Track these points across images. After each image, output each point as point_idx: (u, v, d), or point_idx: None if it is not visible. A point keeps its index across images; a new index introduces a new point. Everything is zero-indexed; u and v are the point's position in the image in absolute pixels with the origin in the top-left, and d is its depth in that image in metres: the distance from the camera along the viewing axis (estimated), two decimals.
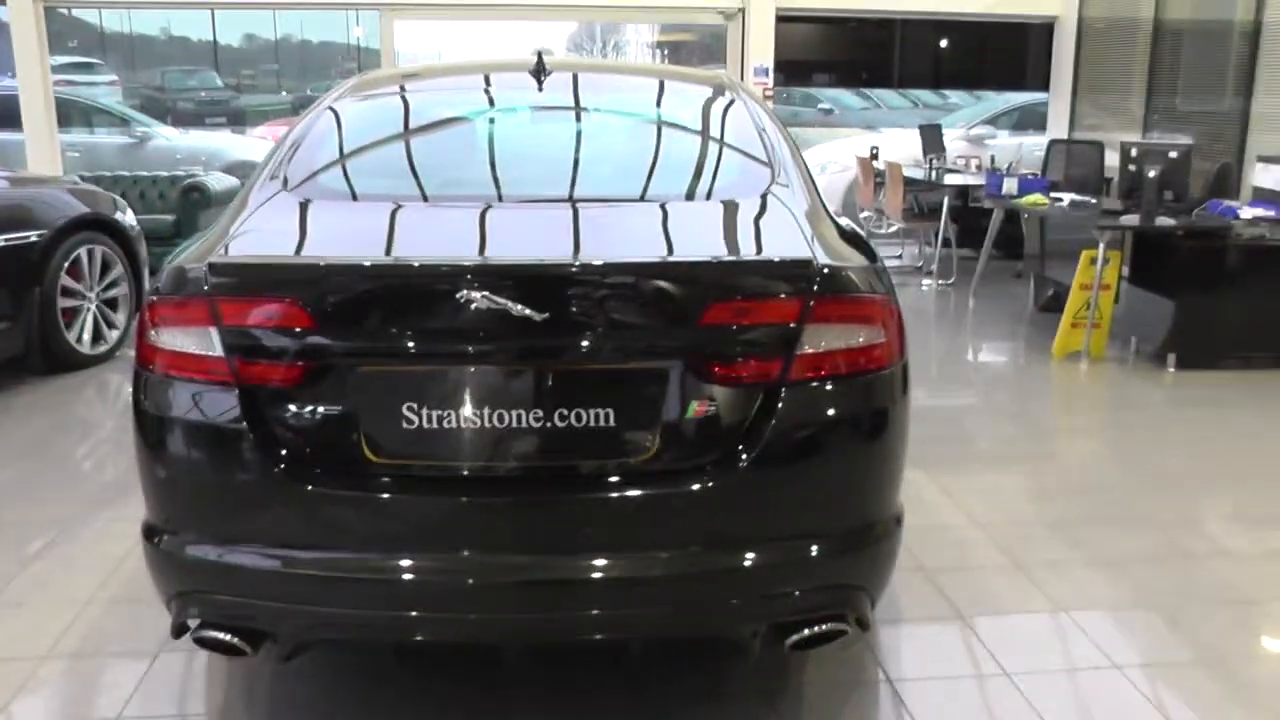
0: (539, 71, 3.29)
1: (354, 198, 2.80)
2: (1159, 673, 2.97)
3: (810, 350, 2.24)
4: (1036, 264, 8.07)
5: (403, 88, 3.56)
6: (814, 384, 2.25)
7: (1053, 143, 9.22)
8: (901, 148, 10.38)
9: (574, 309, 2.18)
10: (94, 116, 11.54)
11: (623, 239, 2.54)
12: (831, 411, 2.29)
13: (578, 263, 2.30)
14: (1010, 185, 7.52)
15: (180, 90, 18.72)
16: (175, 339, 2.24)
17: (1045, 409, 5.94)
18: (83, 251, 6.05)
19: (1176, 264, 6.30)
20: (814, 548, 2.29)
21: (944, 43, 13.62)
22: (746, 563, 2.26)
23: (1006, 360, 7.00)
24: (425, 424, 2.18)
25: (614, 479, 2.22)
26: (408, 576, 2.21)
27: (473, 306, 2.11)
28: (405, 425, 2.18)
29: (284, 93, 20.80)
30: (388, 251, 2.35)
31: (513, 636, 2.49)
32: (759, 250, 2.53)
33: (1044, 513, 4.18)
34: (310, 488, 2.20)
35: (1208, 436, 5.20)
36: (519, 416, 2.18)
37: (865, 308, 2.32)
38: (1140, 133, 9.15)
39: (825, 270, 2.28)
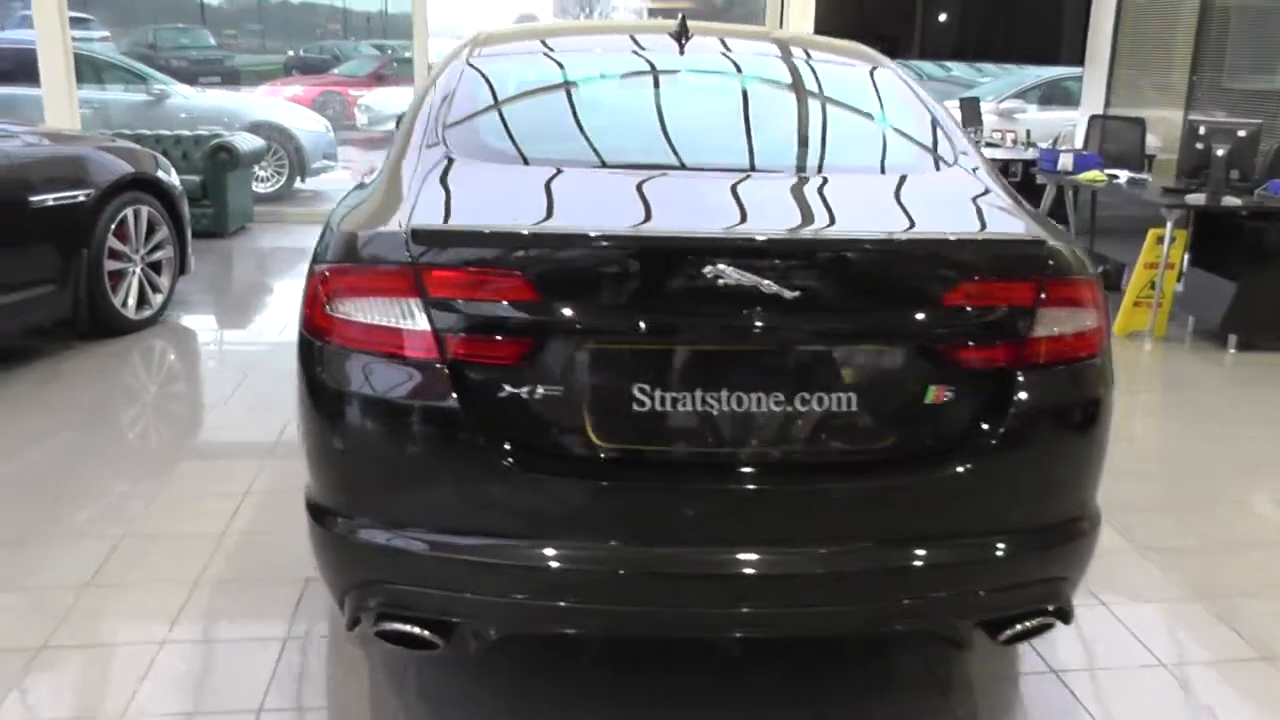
0: (681, 35, 3.14)
1: (525, 162, 2.60)
2: None
3: (1044, 333, 2.15)
4: (1085, 240, 7.97)
5: (543, 48, 3.36)
6: (1045, 369, 2.16)
7: (1093, 118, 9.09)
8: None
9: (824, 287, 2.07)
10: (105, 73, 11.21)
11: (852, 214, 2.40)
12: (1061, 398, 2.20)
13: (835, 238, 2.20)
14: (1066, 161, 7.40)
15: (174, 48, 18.33)
16: (366, 311, 2.06)
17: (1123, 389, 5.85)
18: (129, 212, 5.84)
19: (1241, 244, 6.23)
20: (1039, 539, 2.21)
21: (971, 12, 13.38)
22: (980, 555, 2.17)
23: None
24: (658, 406, 2.04)
25: (853, 467, 2.12)
26: (634, 568, 2.07)
27: (720, 282, 1.98)
28: (636, 407, 2.04)
29: (275, 53, 20.47)
30: (592, 220, 2.16)
31: (738, 630, 2.34)
32: (984, 228, 2.41)
33: (1150, 495, 4.10)
34: (529, 472, 2.04)
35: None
36: (759, 400, 2.05)
37: (1087, 290, 2.23)
38: (1183, 110, 9.04)
39: (1055, 251, 2.20)
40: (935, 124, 2.88)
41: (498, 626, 2.20)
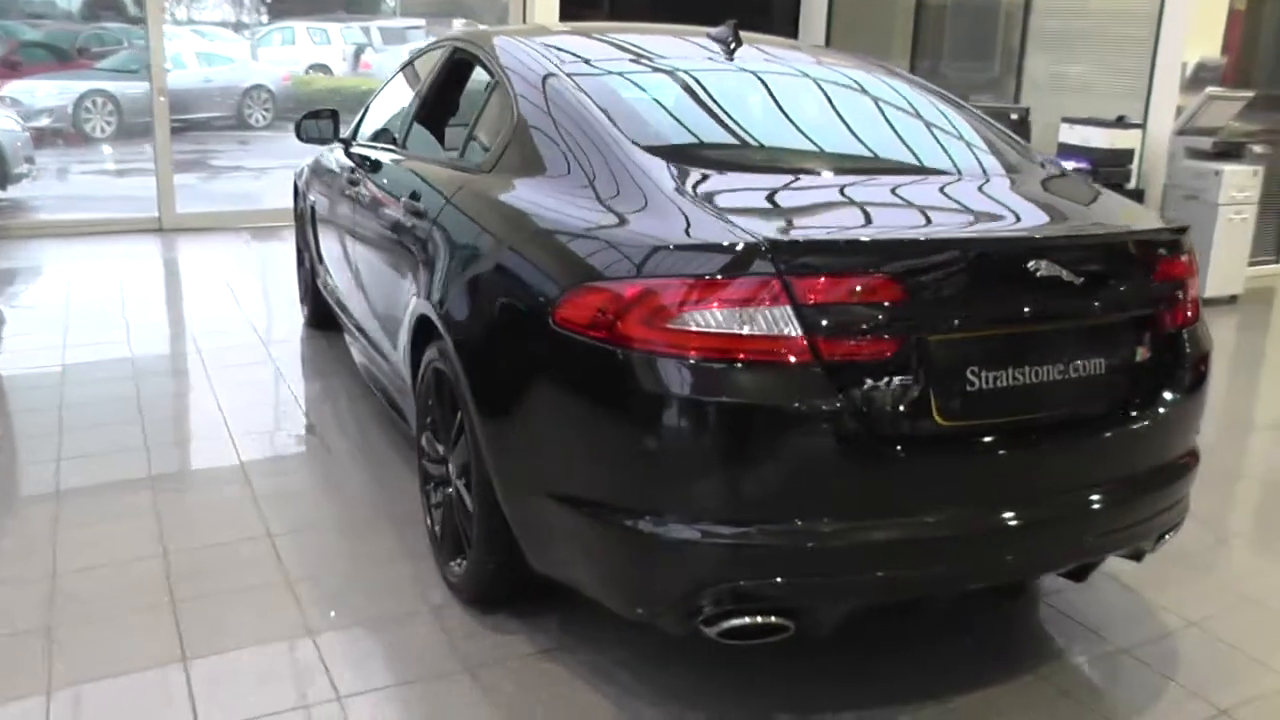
0: (731, 40, 3.24)
1: (743, 170, 2.67)
2: None
3: (1190, 298, 2.57)
4: None
5: (627, 55, 3.20)
6: (1192, 328, 2.58)
7: None
8: None
9: (1090, 273, 2.34)
10: None
11: (1058, 210, 2.76)
12: (1201, 349, 2.60)
13: (1097, 232, 2.57)
14: None
15: None
16: (724, 322, 2.05)
17: None
18: None
19: None
20: (1187, 466, 2.59)
21: (701, 6, 13.94)
22: (1169, 479, 2.52)
23: None
24: (986, 385, 2.23)
25: (1104, 419, 2.42)
26: (973, 528, 2.24)
27: (1038, 274, 2.22)
28: (968, 388, 2.21)
29: None
30: (867, 223, 2.41)
31: (1033, 571, 2.57)
32: (1136, 217, 2.81)
33: None
34: (894, 456, 2.14)
35: None
36: (1046, 372, 2.30)
37: (1194, 264, 2.63)
38: None
39: (1186, 231, 2.61)
40: (986, 124, 3.17)
41: (853, 601, 2.25)
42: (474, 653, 2.61)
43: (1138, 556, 2.61)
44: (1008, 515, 2.25)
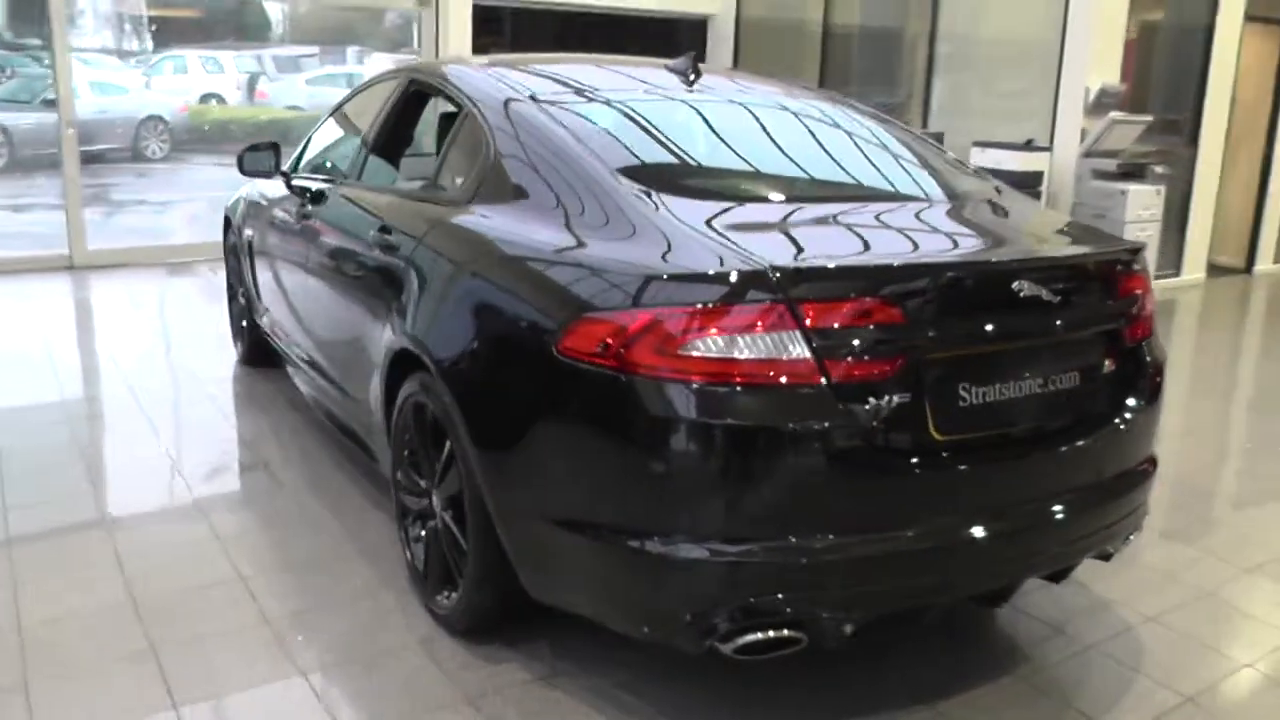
0: (690, 72, 3.33)
1: (730, 199, 2.71)
2: None
3: (1146, 313, 2.73)
4: None
5: (595, 86, 3.22)
6: (1148, 340, 2.75)
7: None
8: None
9: (1064, 291, 2.47)
10: None
11: (1026, 233, 2.91)
12: (1157, 361, 2.77)
13: (1071, 253, 2.71)
14: None
15: None
16: (732, 347, 2.11)
17: None
18: None
19: None
20: (1147, 470, 2.75)
21: (603, 35, 14.07)
22: (1133, 484, 2.66)
23: None
24: (975, 400, 2.34)
25: (1075, 429, 2.53)
26: (972, 536, 2.31)
27: (1021, 294, 2.35)
28: (960, 404, 2.31)
29: None
30: (862, 249, 2.52)
31: (1025, 574, 2.58)
32: (1101, 238, 2.92)
33: None
34: (897, 471, 2.23)
35: None
36: (1027, 385, 2.42)
37: (1149, 280, 2.79)
38: None
39: (1143, 250, 2.78)
40: (937, 151, 3.35)
41: (869, 610, 2.29)
42: (472, 683, 2.60)
43: (1107, 557, 2.75)
44: (1002, 522, 2.36)
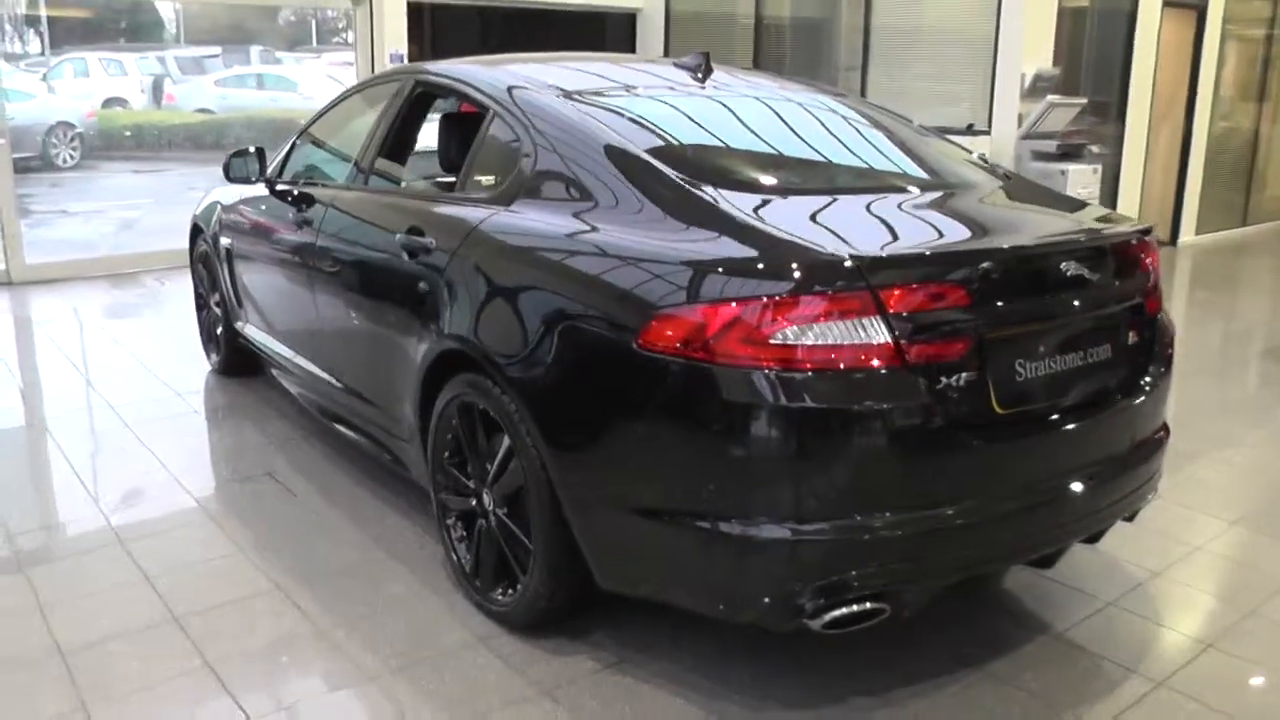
0: (701, 69, 3.44)
1: (786, 192, 2.80)
2: None
3: (1159, 288, 2.92)
4: None
5: (622, 86, 3.28)
6: (1163, 313, 2.95)
7: None
8: None
9: (1101, 270, 2.65)
10: None
11: (1052, 215, 3.07)
12: (1170, 333, 2.97)
13: (1107, 233, 2.80)
14: None
15: None
16: (821, 334, 2.21)
17: None
18: None
19: None
20: (1163, 437, 2.93)
21: (528, 31, 14.02)
22: (1154, 450, 2.85)
23: None
24: (1029, 374, 2.48)
25: (1115, 396, 2.72)
26: (1030, 503, 2.48)
27: (1068, 274, 2.54)
28: (1016, 379, 2.46)
29: None
30: (929, 236, 2.66)
31: (1072, 538, 2.72)
32: (1117, 219, 3.06)
33: None
34: (968, 444, 2.35)
35: None
36: (1071, 359, 2.58)
37: (1158, 258, 2.98)
38: None
39: (1153, 230, 2.94)
40: (933, 140, 3.47)
41: (944, 579, 2.45)
42: (544, 676, 2.65)
43: (1131, 517, 2.92)
44: (1055, 489, 2.51)
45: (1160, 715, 2.56)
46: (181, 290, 7.16)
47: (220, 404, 4.88)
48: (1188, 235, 10.28)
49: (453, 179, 3.35)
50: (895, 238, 2.58)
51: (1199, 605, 3.12)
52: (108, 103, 14.14)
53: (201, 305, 5.43)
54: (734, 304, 2.22)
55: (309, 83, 14.28)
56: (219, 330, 5.15)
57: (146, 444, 4.30)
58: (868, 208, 2.71)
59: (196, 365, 5.40)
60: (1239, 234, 11.07)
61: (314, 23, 15.43)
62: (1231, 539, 3.59)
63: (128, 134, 13.57)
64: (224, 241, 4.82)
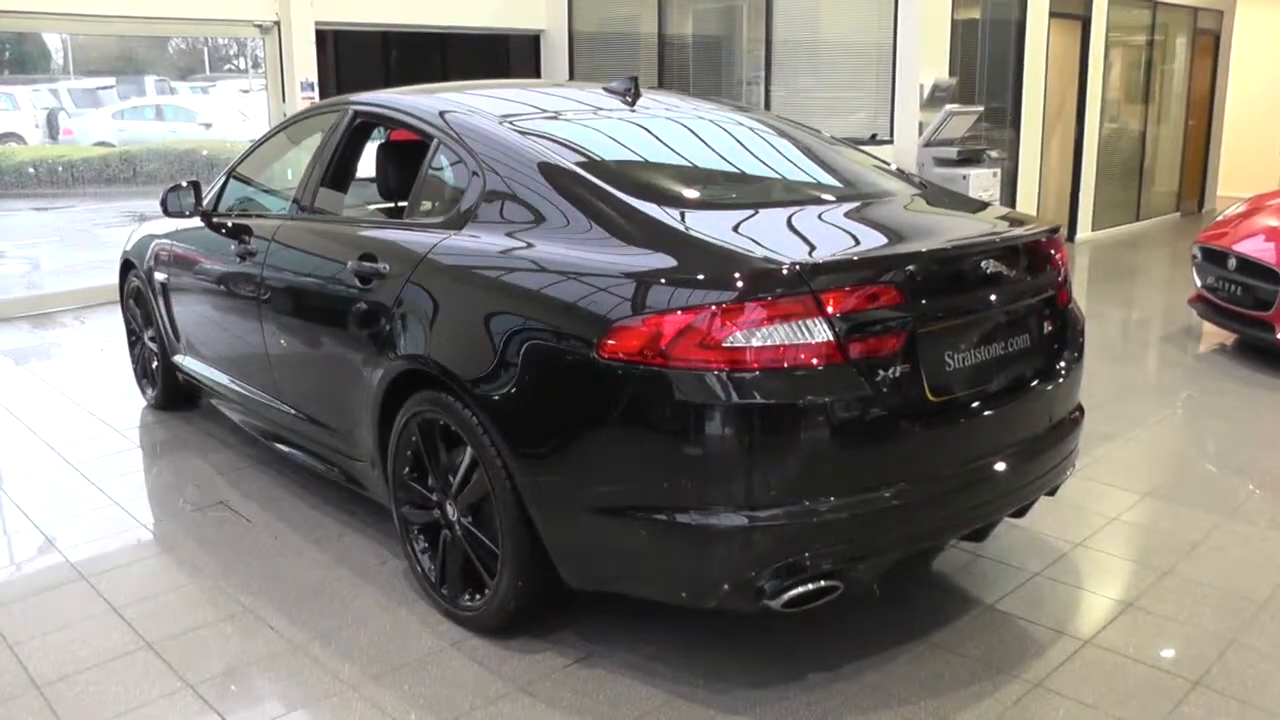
0: (630, 93, 3.62)
1: (722, 207, 2.98)
2: None
3: (1068, 281, 3.20)
4: None
5: (558, 111, 3.44)
6: (1072, 305, 3.21)
7: None
8: None
9: (1017, 267, 2.90)
10: None
11: (973, 219, 3.33)
12: (1079, 323, 3.23)
13: (1022, 234, 3.02)
14: None
15: None
16: (767, 336, 2.39)
17: None
18: None
19: None
20: (1078, 419, 3.21)
21: (433, 54, 14.06)
22: (1072, 431, 3.12)
23: None
24: (958, 364, 2.72)
25: (1034, 381, 2.98)
26: (963, 483, 2.71)
27: (989, 271, 2.78)
28: (947, 368, 2.68)
29: None
30: (857, 243, 2.88)
31: (1003, 512, 2.95)
32: (1027, 220, 3.31)
33: None
34: (907, 432, 2.56)
35: None
36: (994, 349, 2.83)
37: (1065, 254, 3.24)
38: None
39: (1060, 229, 3.24)
40: (847, 153, 3.70)
41: (889, 556, 2.63)
42: (518, 674, 2.78)
43: (1053, 492, 3.17)
44: (984, 468, 2.74)
45: (1089, 671, 2.80)
46: (104, 327, 7.11)
47: (161, 438, 4.88)
48: (1085, 231, 10.84)
49: (393, 206, 3.46)
50: (831, 244, 2.80)
51: (1119, 570, 3.39)
52: (1, 138, 13.80)
53: (134, 341, 5.42)
54: (687, 312, 2.40)
55: (208, 112, 14.10)
56: (154, 365, 5.14)
57: (94, 482, 4.30)
58: (801, 218, 2.91)
59: (132, 401, 5.38)
60: (1133, 228, 11.69)
61: (205, 51, 15.16)
62: (1145, 509, 3.88)
63: (29, 170, 13.26)
64: (159, 276, 4.84)
